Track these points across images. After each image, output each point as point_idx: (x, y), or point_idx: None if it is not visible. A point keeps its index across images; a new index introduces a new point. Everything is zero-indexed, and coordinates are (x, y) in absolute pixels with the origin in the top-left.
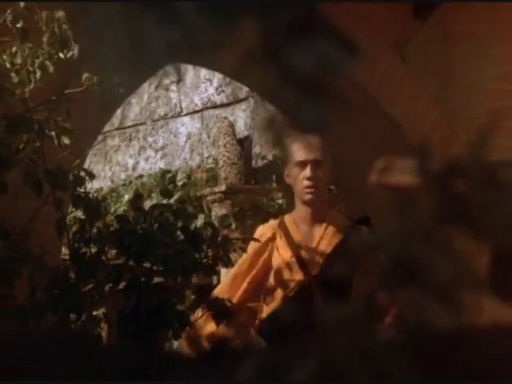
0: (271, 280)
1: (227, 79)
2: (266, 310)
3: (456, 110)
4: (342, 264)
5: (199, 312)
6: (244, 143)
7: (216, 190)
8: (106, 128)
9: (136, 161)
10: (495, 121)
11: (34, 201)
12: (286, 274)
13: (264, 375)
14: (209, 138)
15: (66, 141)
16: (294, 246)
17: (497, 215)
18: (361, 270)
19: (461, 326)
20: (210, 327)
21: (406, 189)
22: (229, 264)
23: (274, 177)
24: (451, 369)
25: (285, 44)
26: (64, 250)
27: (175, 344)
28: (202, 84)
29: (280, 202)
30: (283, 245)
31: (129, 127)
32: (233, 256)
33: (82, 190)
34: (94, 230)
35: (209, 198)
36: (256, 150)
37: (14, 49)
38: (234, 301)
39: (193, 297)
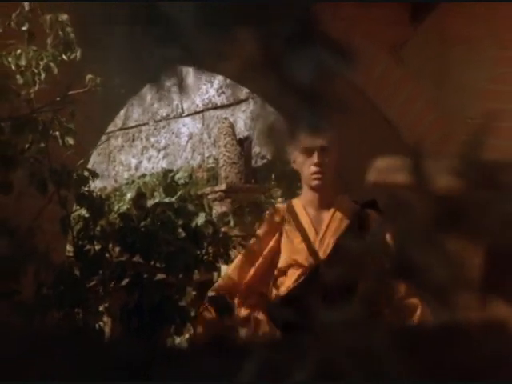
0: (280, 264)
1: (228, 81)
2: (276, 295)
3: (452, 111)
4: (350, 249)
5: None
6: (244, 143)
7: (217, 188)
8: (110, 128)
9: (139, 160)
10: (489, 122)
11: (39, 200)
12: (296, 259)
13: (265, 374)
14: (210, 138)
15: (71, 141)
16: (303, 230)
17: (492, 215)
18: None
19: (455, 323)
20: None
21: (402, 188)
22: (228, 261)
23: (273, 176)
24: (445, 365)
25: (284, 54)
26: (69, 248)
27: (177, 340)
28: (203, 85)
29: (279, 200)
30: (292, 229)
31: (132, 128)
32: (232, 253)
33: (86, 189)
34: (98, 228)
35: (210, 197)
36: (256, 149)
37: (18, 51)
38: (244, 283)
39: (194, 293)
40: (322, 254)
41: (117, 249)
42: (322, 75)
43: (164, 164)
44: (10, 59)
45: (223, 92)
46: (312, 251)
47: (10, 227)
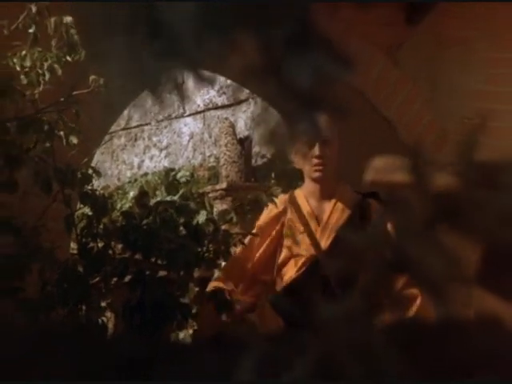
0: (282, 254)
1: (228, 81)
2: (279, 285)
3: (448, 111)
4: (352, 240)
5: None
6: (244, 143)
7: (217, 187)
8: (113, 128)
9: (141, 159)
10: (484, 122)
11: (44, 198)
12: (298, 249)
13: (264, 371)
14: (210, 137)
15: (74, 140)
16: (305, 221)
17: (489, 213)
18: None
19: (450, 318)
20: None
21: (400, 187)
22: (229, 258)
23: (272, 174)
24: (440, 360)
25: (283, 59)
26: (72, 245)
27: (181, 335)
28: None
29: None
30: (294, 219)
31: (134, 127)
32: (233, 250)
33: (89, 188)
34: (101, 226)
35: (210, 195)
36: (256, 149)
37: (23, 52)
38: (249, 267)
39: (197, 289)
40: (323, 245)
41: (119, 246)
42: (321, 79)
43: (166, 163)
44: (15, 60)
45: (224, 92)
46: (314, 242)
47: (15, 226)
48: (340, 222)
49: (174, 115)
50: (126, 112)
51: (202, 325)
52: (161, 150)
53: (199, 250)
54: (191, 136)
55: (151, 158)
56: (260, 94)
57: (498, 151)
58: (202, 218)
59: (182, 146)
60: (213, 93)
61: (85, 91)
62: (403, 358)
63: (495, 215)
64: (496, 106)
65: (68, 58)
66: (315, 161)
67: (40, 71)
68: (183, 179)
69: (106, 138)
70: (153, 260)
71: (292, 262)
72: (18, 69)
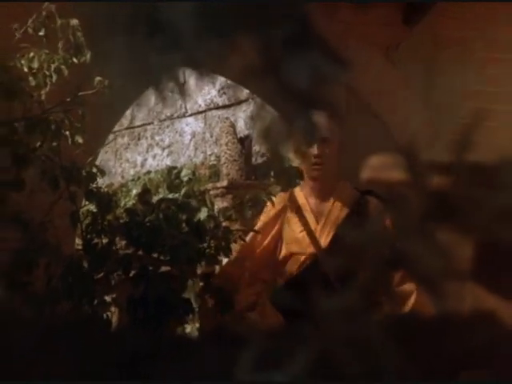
0: (282, 252)
1: (229, 82)
2: (279, 283)
3: (445, 112)
4: (350, 238)
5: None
6: (244, 142)
7: (218, 185)
8: (117, 128)
9: (144, 158)
10: (478, 121)
11: (50, 196)
12: (297, 247)
13: (263, 365)
14: (212, 136)
15: (80, 140)
16: (304, 219)
17: (484, 210)
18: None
19: (446, 314)
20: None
21: (396, 185)
22: (229, 254)
23: (272, 173)
24: (436, 356)
25: (282, 59)
26: (78, 241)
27: (188, 328)
28: (206, 86)
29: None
30: (293, 217)
31: (137, 127)
32: (233, 246)
33: (94, 185)
34: (106, 223)
35: (212, 193)
36: (256, 148)
37: (31, 54)
38: (246, 269)
39: (201, 284)
40: (322, 243)
41: (123, 242)
42: (319, 80)
43: (168, 161)
44: (22, 62)
45: (224, 93)
46: (313, 240)
47: (23, 222)
48: (339, 219)
49: (176, 115)
50: (129, 112)
51: (202, 319)
52: (163, 149)
53: (201, 246)
54: (193, 135)
55: (154, 157)
56: (259, 94)
57: (495, 151)
58: (203, 214)
59: (184, 144)
60: (214, 93)
61: (90, 92)
62: (401, 353)
63: (492, 213)
64: (493, 107)
65: (74, 60)
66: (314, 160)
67: (47, 73)
68: (185, 177)
69: (110, 137)
70: (156, 256)
71: (292, 260)
72: (26, 70)
